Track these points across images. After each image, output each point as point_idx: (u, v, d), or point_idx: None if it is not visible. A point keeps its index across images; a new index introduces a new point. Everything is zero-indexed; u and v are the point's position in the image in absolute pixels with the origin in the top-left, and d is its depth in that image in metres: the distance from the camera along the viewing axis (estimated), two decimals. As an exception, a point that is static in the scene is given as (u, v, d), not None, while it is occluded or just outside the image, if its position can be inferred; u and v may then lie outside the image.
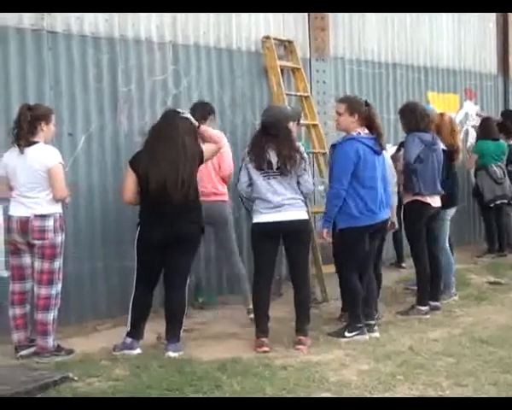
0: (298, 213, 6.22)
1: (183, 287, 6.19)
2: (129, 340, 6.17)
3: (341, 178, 6.34)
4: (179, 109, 6.44)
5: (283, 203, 6.16)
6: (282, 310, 6.92)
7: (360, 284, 6.51)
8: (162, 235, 6.06)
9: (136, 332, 6.18)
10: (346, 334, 6.42)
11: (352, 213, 6.34)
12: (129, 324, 6.20)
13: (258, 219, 6.25)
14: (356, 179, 6.34)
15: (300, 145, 6.31)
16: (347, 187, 6.33)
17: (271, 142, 6.16)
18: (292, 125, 6.62)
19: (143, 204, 6.20)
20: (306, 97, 8.85)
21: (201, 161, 6.21)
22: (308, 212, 6.33)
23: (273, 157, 6.15)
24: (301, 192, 6.25)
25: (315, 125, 8.78)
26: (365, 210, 6.37)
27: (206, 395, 5.03)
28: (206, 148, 6.24)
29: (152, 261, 6.19)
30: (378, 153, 6.50)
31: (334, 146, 6.64)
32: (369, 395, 5.02)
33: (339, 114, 6.54)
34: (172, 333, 6.12)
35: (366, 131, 6.48)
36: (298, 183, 6.25)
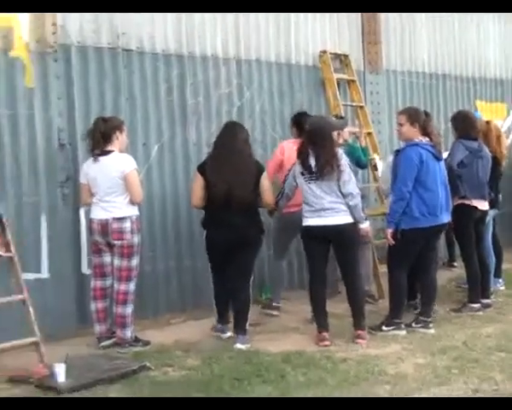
0: (339, 217, 6.15)
1: (247, 285, 6.26)
2: (219, 326, 6.43)
3: (405, 182, 6.32)
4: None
5: (324, 208, 6.14)
6: (340, 307, 6.88)
7: (406, 284, 6.52)
8: (225, 237, 6.15)
9: (223, 318, 6.43)
10: (384, 328, 6.42)
11: (414, 215, 6.31)
12: (216, 314, 6.46)
13: (305, 222, 6.28)
14: (418, 183, 6.32)
15: (340, 151, 6.27)
16: (411, 190, 6.34)
17: (312, 148, 6.17)
18: (336, 134, 6.61)
19: (208, 208, 6.31)
20: (361, 107, 8.87)
21: (261, 171, 6.31)
22: (357, 214, 6.26)
23: (312, 162, 6.16)
24: (343, 196, 6.21)
25: (369, 134, 8.76)
26: (427, 213, 6.34)
27: (272, 385, 5.06)
28: None
29: (219, 261, 6.32)
30: (438, 159, 6.49)
31: (397, 152, 6.65)
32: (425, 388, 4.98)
33: (400, 124, 6.53)
34: (239, 327, 6.20)
35: (427, 139, 6.48)
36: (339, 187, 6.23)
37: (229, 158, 6.15)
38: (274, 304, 7.37)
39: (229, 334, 6.33)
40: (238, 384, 5.10)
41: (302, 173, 6.21)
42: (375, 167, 7.97)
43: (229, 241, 6.14)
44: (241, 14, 7.93)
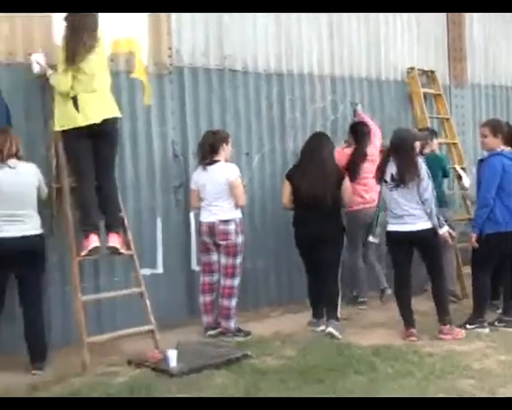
0: (419, 223, 6.07)
1: (334, 278, 6.31)
2: (314, 320, 6.47)
3: (489, 189, 6.22)
4: None
5: (404, 214, 6.09)
6: (426, 305, 6.79)
7: (489, 284, 6.39)
8: (309, 233, 6.29)
9: (316, 313, 6.47)
10: (468, 326, 6.28)
11: (497, 221, 6.20)
12: (311, 308, 6.53)
13: (389, 228, 6.27)
14: (501, 190, 6.21)
15: (419, 160, 6.16)
16: (494, 197, 6.25)
17: (395, 157, 6.14)
18: (421, 145, 6.49)
19: (296, 209, 6.47)
20: (447, 120, 8.76)
21: (343, 177, 6.40)
22: (433, 220, 6.13)
23: (394, 170, 6.13)
24: (422, 203, 6.12)
25: (455, 144, 8.64)
26: (509, 218, 6.24)
27: (363, 376, 5.04)
28: None
29: (307, 256, 6.45)
30: None
31: (481, 161, 6.54)
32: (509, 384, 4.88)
33: (484, 136, 6.42)
34: (330, 314, 6.26)
35: (509, 148, 6.37)
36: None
37: (314, 165, 6.29)
38: (360, 299, 7.36)
39: (322, 327, 6.33)
40: (332, 374, 5.08)
41: (385, 181, 6.22)
42: (458, 177, 7.84)
43: (313, 237, 6.26)
44: (335, 35, 7.96)
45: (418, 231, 6.09)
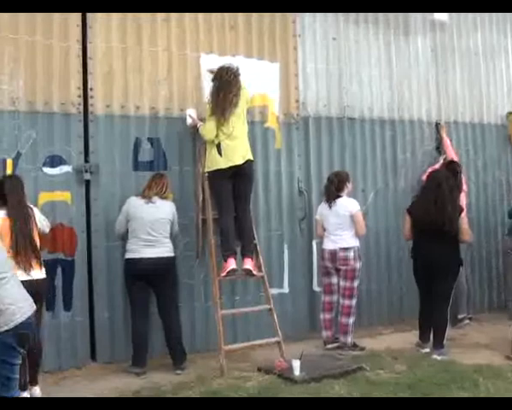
0: None
1: (445, 307, 5.97)
2: (420, 342, 6.17)
3: None
4: None
5: None
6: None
7: None
8: (424, 262, 5.99)
9: (424, 337, 6.14)
10: None
11: None
12: (419, 331, 6.22)
13: None
14: None
15: None
16: None
17: None
18: None
19: (415, 241, 6.18)
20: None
21: (461, 210, 6.07)
22: None
23: None
24: None
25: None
26: None
27: (466, 392, 4.81)
28: None
29: (423, 286, 6.12)
30: None
31: None
32: None
33: None
34: (437, 341, 5.97)
35: None
36: None
37: (432, 196, 5.96)
38: (459, 316, 7.03)
39: (427, 350, 6.05)
40: (437, 389, 4.90)
41: None
42: None
43: (431, 267, 5.94)
44: (441, 85, 7.79)
45: None
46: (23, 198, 5.00)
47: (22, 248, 4.81)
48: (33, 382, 4.93)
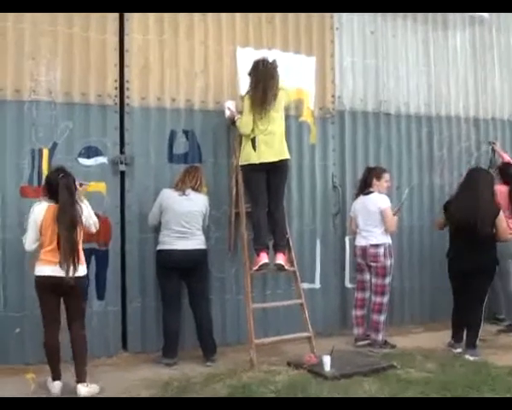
0: None
1: (479, 308, 5.90)
2: (452, 342, 6.12)
3: None
4: None
5: None
6: None
7: None
8: (463, 266, 5.91)
9: (456, 336, 6.10)
10: None
11: None
12: (451, 331, 6.17)
13: None
14: None
15: None
16: None
17: None
18: None
19: (451, 240, 6.12)
20: None
21: (498, 210, 5.97)
22: None
23: None
24: None
25: None
26: None
27: (498, 394, 4.75)
28: None
29: (458, 286, 6.06)
30: None
31: None
32: None
33: None
34: (469, 342, 5.92)
35: None
36: None
37: (469, 194, 5.90)
38: (499, 316, 6.98)
39: (459, 350, 6.00)
40: (468, 390, 4.85)
41: None
42: None
43: (466, 267, 5.87)
44: (479, 81, 7.70)
45: None
46: (73, 196, 4.87)
47: (65, 248, 4.72)
48: (79, 379, 4.85)
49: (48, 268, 4.75)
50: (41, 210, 4.81)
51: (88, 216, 5.00)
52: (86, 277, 5.06)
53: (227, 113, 6.07)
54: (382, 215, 6.17)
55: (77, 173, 5.45)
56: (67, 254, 4.71)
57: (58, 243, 4.75)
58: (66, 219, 4.75)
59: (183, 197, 5.70)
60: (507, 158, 7.37)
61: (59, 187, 4.78)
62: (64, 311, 4.93)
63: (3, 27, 5.52)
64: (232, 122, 6.04)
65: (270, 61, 5.85)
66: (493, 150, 7.59)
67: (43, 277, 4.77)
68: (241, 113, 5.93)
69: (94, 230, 5.12)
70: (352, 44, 6.97)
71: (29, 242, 4.84)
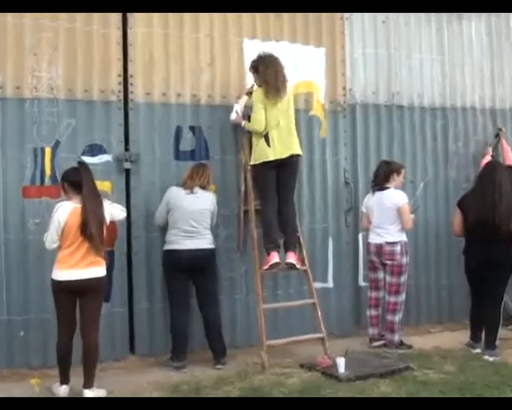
0: None
1: (497, 307, 5.82)
2: (471, 342, 6.05)
3: None
4: None
5: None
6: None
7: None
8: (477, 261, 5.83)
9: (475, 337, 6.03)
10: None
11: None
12: (470, 331, 6.10)
13: None
14: None
15: None
16: None
17: None
18: None
19: (467, 237, 6.02)
20: None
21: None
22: None
23: None
24: None
25: None
26: None
27: None
28: None
29: (474, 283, 5.98)
30: None
31: None
32: None
33: None
34: (488, 342, 5.84)
35: None
36: None
37: (485, 190, 5.79)
38: None
39: (478, 350, 5.92)
40: (488, 391, 4.78)
41: None
42: None
43: (483, 265, 5.78)
44: (495, 71, 7.57)
45: None
46: (99, 195, 4.86)
47: (92, 248, 4.74)
48: (87, 385, 4.79)
49: (66, 272, 4.71)
50: (65, 211, 4.76)
51: (112, 209, 4.99)
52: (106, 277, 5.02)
53: (233, 116, 5.95)
54: (399, 212, 6.08)
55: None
56: (93, 254, 4.73)
57: (78, 246, 4.73)
58: (95, 220, 4.73)
59: (190, 196, 5.64)
60: (509, 158, 7.22)
61: (83, 186, 4.75)
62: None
63: (3, 21, 5.48)
64: (238, 126, 5.97)
65: (270, 52, 5.84)
66: (498, 136, 7.46)
67: (62, 281, 4.72)
68: (251, 109, 5.84)
69: (125, 214, 5.24)
70: (363, 34, 6.89)
71: (50, 241, 4.79)
